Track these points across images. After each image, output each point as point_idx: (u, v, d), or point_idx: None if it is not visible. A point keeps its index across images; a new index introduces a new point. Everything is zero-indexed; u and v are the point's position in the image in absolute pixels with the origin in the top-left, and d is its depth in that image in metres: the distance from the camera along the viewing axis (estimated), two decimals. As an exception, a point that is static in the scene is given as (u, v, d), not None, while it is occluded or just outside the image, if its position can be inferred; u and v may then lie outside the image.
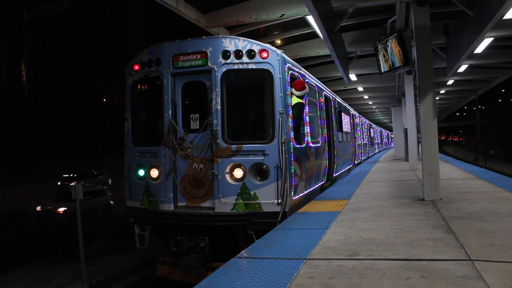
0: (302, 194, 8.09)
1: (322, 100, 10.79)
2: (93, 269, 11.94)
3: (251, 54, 7.23)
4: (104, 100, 72.08)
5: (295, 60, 9.76)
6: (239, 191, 7.13)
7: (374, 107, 35.23)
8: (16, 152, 65.35)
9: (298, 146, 7.80)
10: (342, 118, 14.48)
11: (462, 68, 16.78)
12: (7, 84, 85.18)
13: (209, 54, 7.33)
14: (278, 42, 14.76)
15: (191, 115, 7.67)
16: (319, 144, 9.87)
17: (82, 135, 68.37)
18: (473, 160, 48.54)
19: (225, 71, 7.29)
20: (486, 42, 12.06)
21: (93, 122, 68.43)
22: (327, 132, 11.05)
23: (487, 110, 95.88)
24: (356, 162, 18.90)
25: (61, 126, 71.22)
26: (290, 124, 7.42)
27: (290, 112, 7.50)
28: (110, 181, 32.70)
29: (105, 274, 11.53)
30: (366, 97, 27.26)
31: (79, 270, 11.00)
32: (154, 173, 7.76)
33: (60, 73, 77.42)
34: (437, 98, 27.38)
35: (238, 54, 7.26)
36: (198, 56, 7.42)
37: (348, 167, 15.82)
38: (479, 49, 12.50)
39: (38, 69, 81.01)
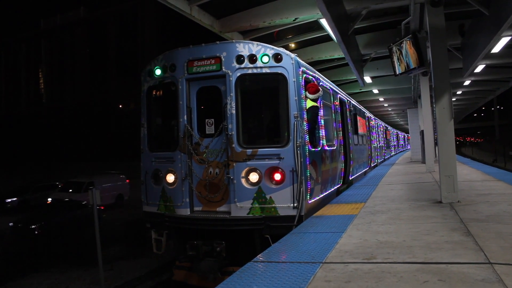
0: (318, 198, 8.07)
1: (337, 103, 10.75)
2: (111, 274, 12.02)
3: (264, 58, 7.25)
4: (120, 106, 72.88)
5: (309, 63, 9.77)
6: (255, 195, 7.14)
7: (389, 109, 34.95)
8: (32, 157, 66.60)
9: (313, 149, 7.78)
10: (358, 121, 14.40)
11: (479, 68, 16.57)
12: (26, 92, 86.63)
13: (223, 59, 7.37)
14: (292, 45, 14.78)
15: (206, 120, 7.71)
16: (335, 147, 9.82)
17: (99, 140, 69.30)
18: (492, 161, 47.73)
19: (239, 75, 7.32)
20: (504, 41, 11.90)
21: (109, 128, 69.32)
22: (342, 135, 10.99)
23: (506, 110, 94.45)
24: (372, 165, 18.76)
25: (78, 132, 72.28)
26: (305, 128, 7.41)
27: (305, 116, 7.49)
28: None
29: (123, 279, 11.59)
30: (381, 99, 27.08)
31: (97, 275, 11.09)
32: (170, 178, 7.82)
33: (76, 80, 78.48)
34: (453, 99, 27.11)
35: (252, 58, 7.28)
36: (212, 61, 7.46)
37: (364, 170, 15.72)
38: (496, 48, 12.35)
39: (55, 76, 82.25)
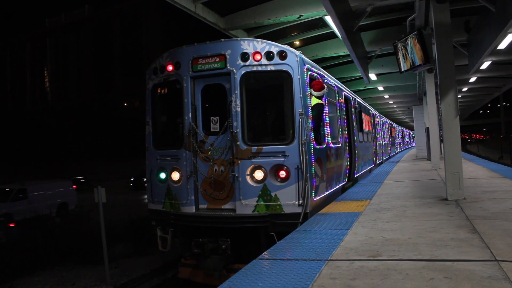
0: (323, 195, 8.06)
1: (341, 100, 10.73)
2: (117, 272, 12.07)
3: (269, 55, 7.23)
4: (125, 104, 73.09)
5: (314, 60, 9.75)
6: (260, 192, 7.14)
7: (395, 107, 34.85)
8: (38, 156, 66.95)
9: (318, 147, 7.77)
10: (363, 118, 14.37)
11: (485, 65, 16.43)
12: (31, 90, 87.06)
13: (227, 57, 7.37)
14: (297, 43, 14.75)
15: (211, 118, 7.72)
16: (340, 145, 9.81)
17: (103, 139, 69.56)
18: (498, 158, 47.42)
19: (244, 73, 7.32)
20: (510, 37, 11.77)
21: (114, 126, 69.56)
22: (347, 133, 10.98)
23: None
24: (377, 162, 18.72)
25: (83, 130, 72.56)
26: (310, 125, 7.40)
27: (310, 113, 7.48)
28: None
29: (129, 277, 11.63)
30: (386, 96, 27.01)
31: (103, 273, 11.14)
32: (175, 176, 7.83)
33: (81, 78, 78.80)
34: (459, 96, 26.98)
35: (256, 56, 7.27)
36: (217, 59, 7.46)
37: (369, 167, 15.68)
38: (503, 45, 12.23)
39: (60, 75, 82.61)
